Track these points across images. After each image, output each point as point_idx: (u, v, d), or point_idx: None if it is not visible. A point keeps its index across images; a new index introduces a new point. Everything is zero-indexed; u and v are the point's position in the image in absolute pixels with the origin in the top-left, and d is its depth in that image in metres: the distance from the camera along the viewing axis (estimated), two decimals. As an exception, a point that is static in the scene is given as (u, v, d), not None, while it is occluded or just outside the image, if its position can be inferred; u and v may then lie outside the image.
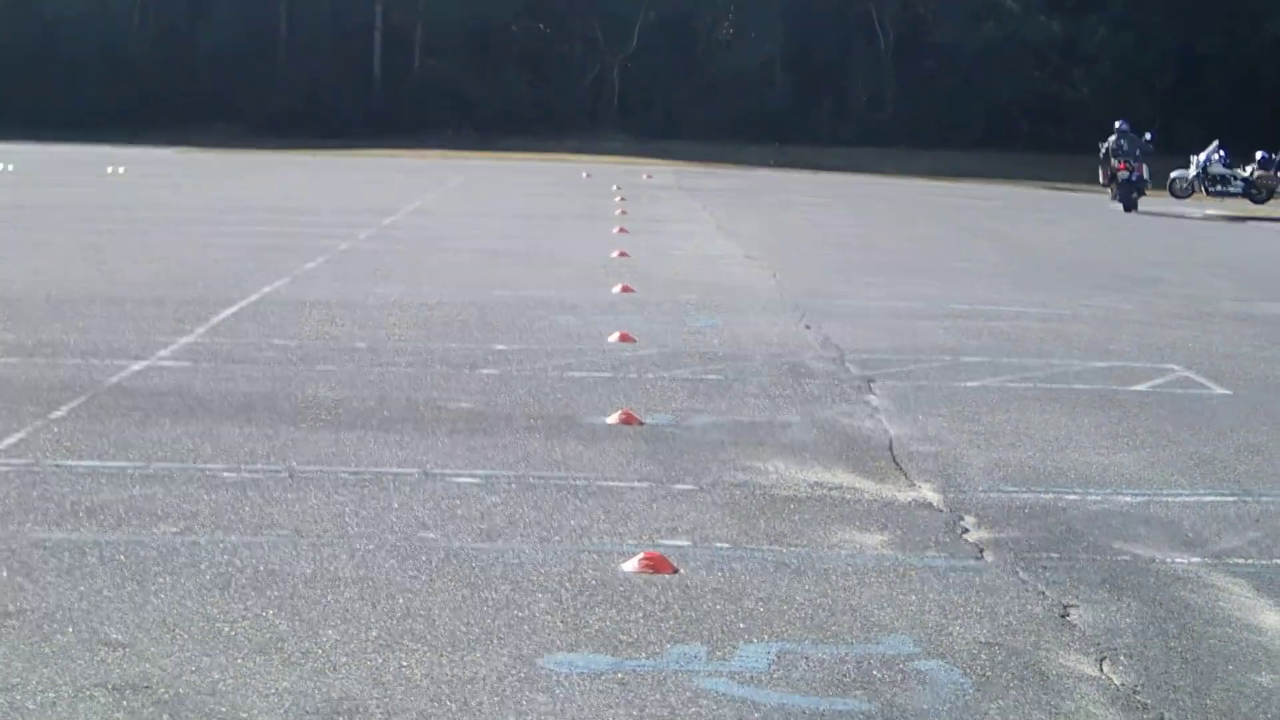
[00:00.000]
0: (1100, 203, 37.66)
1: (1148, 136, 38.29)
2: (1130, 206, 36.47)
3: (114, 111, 61.46)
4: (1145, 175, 37.33)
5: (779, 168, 51.49)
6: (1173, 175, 42.31)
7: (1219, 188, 40.81)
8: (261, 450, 9.72)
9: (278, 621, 6.70)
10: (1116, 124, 38.24)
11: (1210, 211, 38.62)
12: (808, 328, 15.75)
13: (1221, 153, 41.03)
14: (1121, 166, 36.78)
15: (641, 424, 10.89)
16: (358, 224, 25.27)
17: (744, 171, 45.31)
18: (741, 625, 6.88)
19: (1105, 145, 38.00)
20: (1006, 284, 20.51)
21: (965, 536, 8.46)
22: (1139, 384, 13.29)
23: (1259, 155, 41.09)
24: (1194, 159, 41.67)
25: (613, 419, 10.95)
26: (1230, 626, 7.18)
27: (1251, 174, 40.63)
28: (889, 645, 6.70)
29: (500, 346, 13.83)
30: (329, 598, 7.03)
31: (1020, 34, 66.05)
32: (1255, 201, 40.23)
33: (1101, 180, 38.68)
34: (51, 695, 5.81)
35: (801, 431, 10.93)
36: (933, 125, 63.91)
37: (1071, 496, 9.42)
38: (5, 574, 7.18)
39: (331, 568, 7.46)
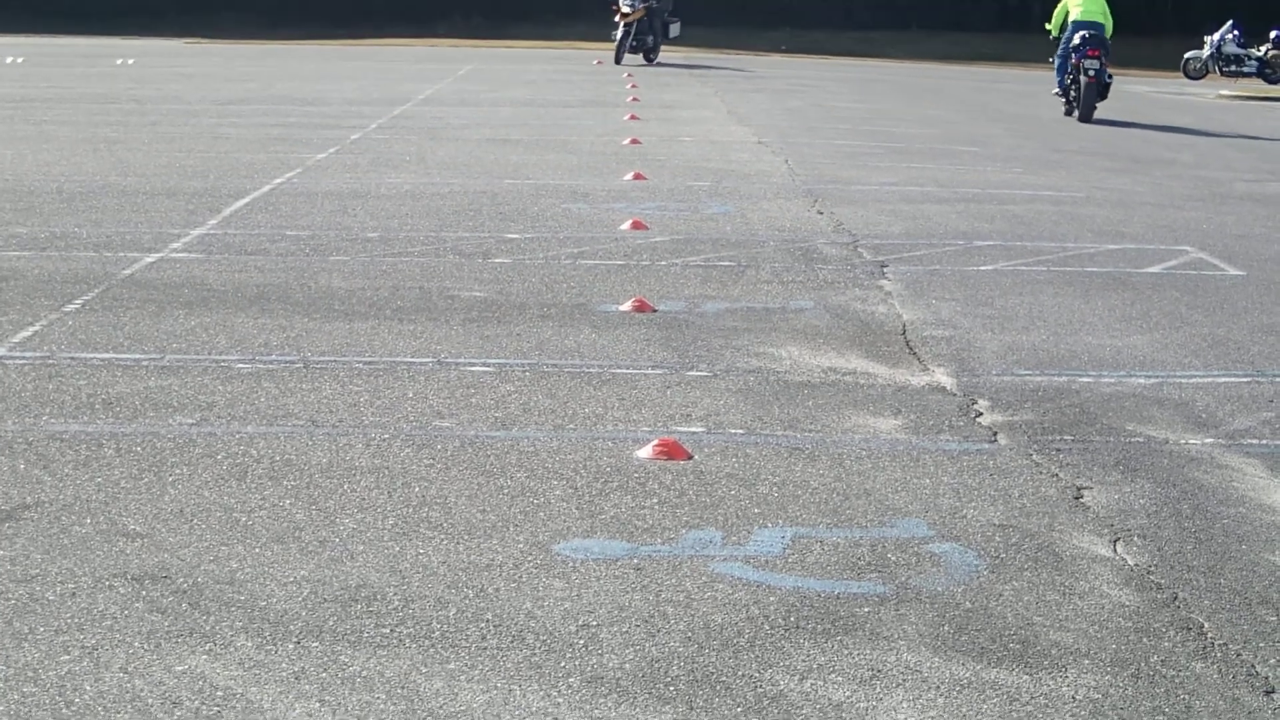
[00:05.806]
0: (1114, 86, 37.36)
1: None
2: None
3: (120, 1, 61.02)
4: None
5: (791, 53, 51.10)
6: (1186, 55, 42.06)
7: (1233, 68, 40.57)
8: (276, 341, 9.74)
9: (295, 511, 6.74)
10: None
11: (1224, 92, 38.36)
12: (820, 213, 15.71)
13: (1236, 32, 40.73)
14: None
15: (655, 311, 10.89)
16: (368, 114, 25.17)
17: (756, 57, 45.01)
18: (756, 510, 6.92)
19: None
20: (1019, 167, 20.42)
21: (979, 420, 8.48)
22: (1153, 266, 13.27)
23: (1273, 34, 40.77)
24: (1208, 39, 41.40)
25: (626, 306, 10.96)
26: (1244, 507, 7.21)
27: (1266, 54, 40.35)
28: (903, 528, 6.74)
29: (512, 235, 13.81)
30: (345, 487, 7.07)
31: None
32: (1269, 81, 39.97)
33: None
34: (71, 586, 5.86)
35: (814, 317, 10.94)
36: (946, 3, 63.34)
37: (1085, 379, 9.43)
38: (23, 466, 7.23)
39: (347, 457, 7.50)
